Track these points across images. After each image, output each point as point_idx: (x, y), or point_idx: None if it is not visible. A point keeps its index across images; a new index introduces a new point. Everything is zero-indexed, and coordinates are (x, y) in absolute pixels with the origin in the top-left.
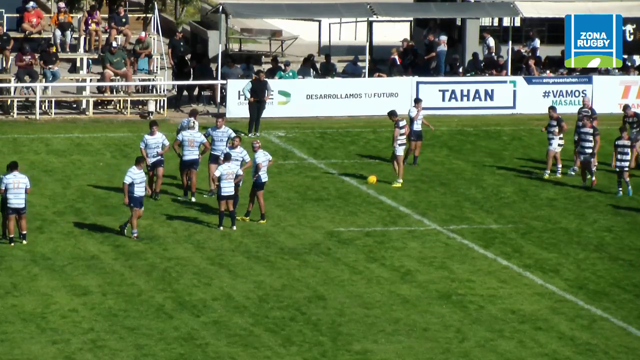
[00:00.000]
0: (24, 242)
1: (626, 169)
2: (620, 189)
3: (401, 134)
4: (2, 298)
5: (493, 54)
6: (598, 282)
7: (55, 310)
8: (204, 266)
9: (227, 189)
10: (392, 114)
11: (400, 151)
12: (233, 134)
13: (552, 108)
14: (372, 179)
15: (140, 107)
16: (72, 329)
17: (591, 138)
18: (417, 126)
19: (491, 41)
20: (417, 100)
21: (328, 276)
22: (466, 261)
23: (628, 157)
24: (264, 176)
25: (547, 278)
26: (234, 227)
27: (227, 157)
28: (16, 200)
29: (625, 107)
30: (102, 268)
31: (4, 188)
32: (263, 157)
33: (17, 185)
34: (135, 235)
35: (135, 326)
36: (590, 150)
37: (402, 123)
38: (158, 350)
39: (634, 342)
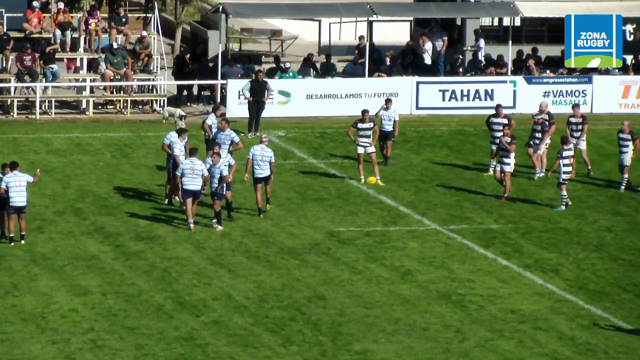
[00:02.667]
0: (22, 242)
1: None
2: (564, 201)
3: (360, 135)
4: (2, 298)
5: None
6: (598, 282)
7: (55, 310)
8: (204, 266)
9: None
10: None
11: (359, 150)
12: (236, 139)
13: (499, 106)
14: (372, 179)
15: (140, 107)
16: (72, 329)
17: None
18: (384, 126)
19: (429, 45)
20: (387, 100)
21: (328, 276)
22: (466, 261)
23: (571, 169)
24: (257, 171)
25: (547, 278)
26: (231, 218)
27: (218, 155)
28: (19, 198)
29: (574, 107)
30: (102, 268)
31: (4, 187)
32: (258, 152)
33: (19, 183)
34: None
35: (135, 326)
36: (507, 160)
37: (359, 125)
38: (158, 350)
39: (634, 342)
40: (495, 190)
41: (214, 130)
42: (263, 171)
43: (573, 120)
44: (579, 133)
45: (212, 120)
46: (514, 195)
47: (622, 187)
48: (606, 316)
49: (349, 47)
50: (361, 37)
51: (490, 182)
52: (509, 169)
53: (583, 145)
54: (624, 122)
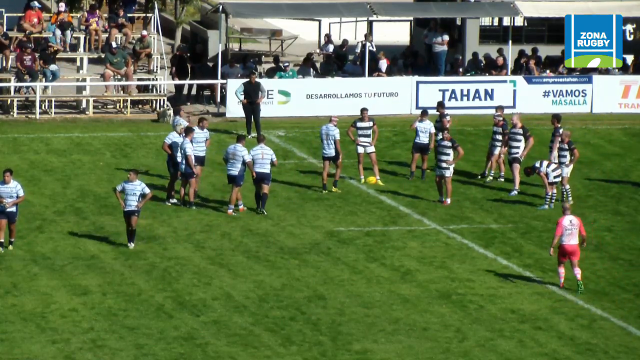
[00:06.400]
0: (10, 247)
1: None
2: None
3: (359, 135)
4: (2, 298)
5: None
6: (598, 282)
7: (55, 310)
8: (204, 266)
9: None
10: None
11: (358, 149)
12: (208, 135)
13: (440, 104)
14: (372, 179)
15: (140, 106)
16: (72, 329)
17: (449, 151)
18: (418, 138)
19: (330, 47)
20: (422, 112)
21: (328, 276)
22: (466, 261)
23: (559, 172)
24: (324, 150)
25: (547, 278)
26: (131, 244)
27: (136, 172)
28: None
29: (498, 108)
30: (102, 268)
31: None
32: (324, 130)
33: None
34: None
35: (135, 326)
36: (445, 165)
37: (359, 124)
38: (158, 349)
39: (634, 342)
40: (495, 191)
41: (199, 133)
42: (329, 150)
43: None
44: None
45: (184, 123)
46: (513, 197)
47: (513, 192)
48: (606, 316)
49: (349, 47)
50: (345, 41)
51: (489, 182)
52: (448, 173)
53: (497, 150)
54: (513, 116)
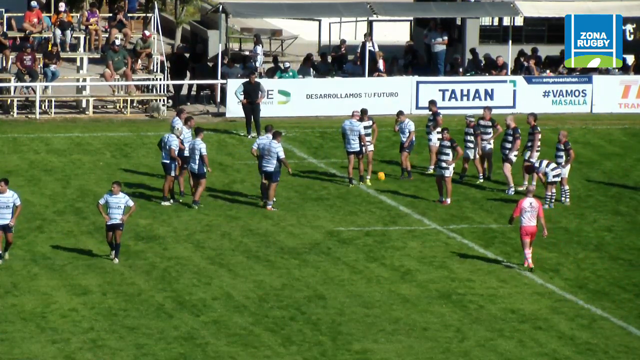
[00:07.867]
0: (6, 256)
1: None
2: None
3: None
4: (2, 298)
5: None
6: (598, 282)
7: (55, 310)
8: (203, 266)
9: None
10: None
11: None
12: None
13: (432, 102)
14: (382, 175)
15: (140, 106)
16: (72, 329)
17: (448, 151)
18: (402, 137)
19: (259, 48)
20: (398, 113)
21: (328, 276)
22: (466, 261)
23: (559, 171)
24: (348, 145)
25: (547, 278)
26: (116, 260)
27: (119, 184)
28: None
29: (486, 109)
30: (102, 267)
31: None
32: (347, 125)
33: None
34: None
35: (135, 326)
36: (444, 165)
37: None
38: (158, 349)
39: (634, 342)
40: (495, 191)
41: (186, 132)
42: (355, 145)
43: (482, 122)
44: (489, 136)
45: (179, 124)
46: (514, 196)
47: (510, 191)
48: (606, 316)
49: (349, 46)
50: (342, 41)
51: (491, 182)
52: (448, 173)
53: (471, 152)
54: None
